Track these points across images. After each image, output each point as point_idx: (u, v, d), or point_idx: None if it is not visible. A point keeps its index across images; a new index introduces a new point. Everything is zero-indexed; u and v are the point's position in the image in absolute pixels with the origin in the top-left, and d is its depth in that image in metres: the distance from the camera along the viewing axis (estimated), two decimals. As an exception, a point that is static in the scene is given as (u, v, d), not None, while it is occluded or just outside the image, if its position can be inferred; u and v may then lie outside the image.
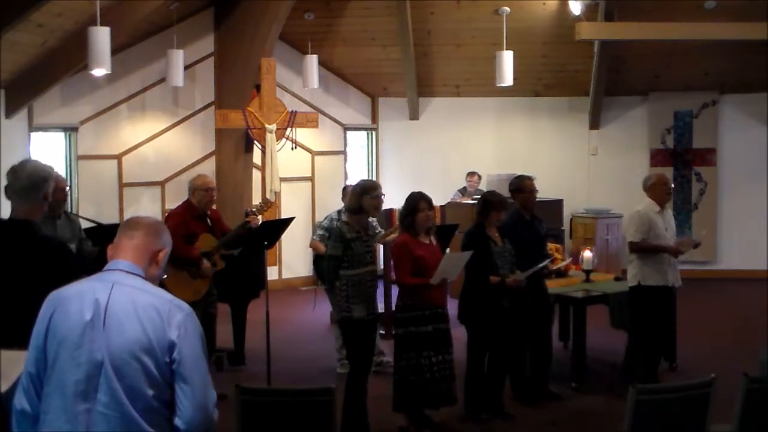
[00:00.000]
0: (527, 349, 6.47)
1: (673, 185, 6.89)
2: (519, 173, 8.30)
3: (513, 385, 6.51)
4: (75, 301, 2.69)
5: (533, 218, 6.59)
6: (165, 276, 2.94)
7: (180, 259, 6.16)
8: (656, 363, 6.78)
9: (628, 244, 6.72)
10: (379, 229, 7.16)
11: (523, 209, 6.52)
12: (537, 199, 6.66)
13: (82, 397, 2.62)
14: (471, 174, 11.25)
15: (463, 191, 11.17)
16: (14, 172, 4.07)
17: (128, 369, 2.62)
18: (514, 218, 6.45)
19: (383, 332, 7.90)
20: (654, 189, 6.73)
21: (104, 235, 5.05)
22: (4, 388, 3.10)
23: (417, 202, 5.73)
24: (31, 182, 4.04)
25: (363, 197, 5.60)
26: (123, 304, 2.66)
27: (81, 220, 6.13)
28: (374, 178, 12.11)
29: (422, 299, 5.66)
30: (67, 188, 6.07)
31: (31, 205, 4.03)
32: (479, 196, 6.77)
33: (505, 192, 6.69)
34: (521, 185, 6.54)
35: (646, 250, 6.57)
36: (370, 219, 5.94)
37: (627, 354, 7.10)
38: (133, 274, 2.74)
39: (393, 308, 6.30)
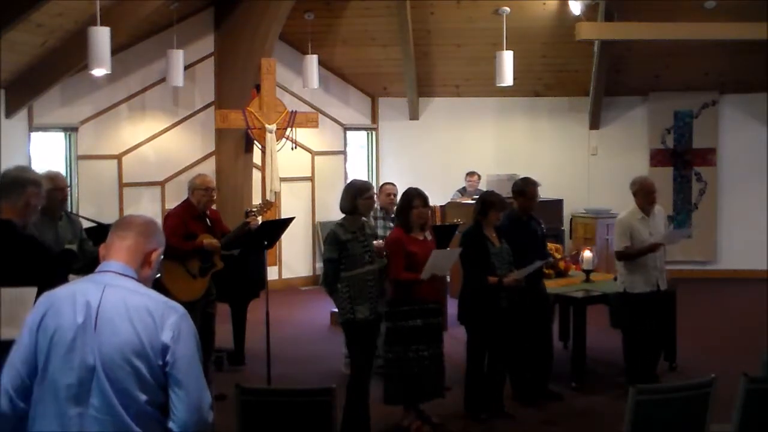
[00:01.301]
0: (527, 349, 6.46)
1: (656, 191, 6.71)
2: (518, 173, 8.26)
3: (513, 385, 6.51)
4: (66, 303, 2.64)
5: (530, 218, 6.59)
6: (159, 275, 2.91)
7: (185, 253, 6.15)
8: (652, 363, 6.78)
9: (614, 253, 6.72)
10: (384, 225, 7.17)
11: (520, 210, 6.53)
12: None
13: (74, 401, 2.58)
14: (471, 174, 11.24)
15: (463, 191, 11.16)
16: (3, 173, 4.14)
17: (120, 373, 2.57)
18: (510, 218, 6.45)
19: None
20: (637, 196, 6.70)
21: (104, 234, 5.05)
22: (7, 334, 3.09)
23: (412, 198, 5.76)
24: (12, 183, 4.06)
25: (357, 198, 5.61)
26: (115, 306, 2.61)
27: (81, 220, 6.13)
28: (374, 178, 12.13)
29: (414, 294, 5.69)
30: (68, 189, 6.05)
31: (11, 206, 4.04)
32: (478, 196, 6.77)
33: (504, 192, 6.68)
34: (525, 190, 6.51)
35: (631, 257, 6.58)
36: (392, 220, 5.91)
37: (624, 356, 7.10)
38: (125, 275, 2.69)
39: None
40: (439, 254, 5.83)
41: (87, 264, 5.11)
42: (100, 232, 5.89)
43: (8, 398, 2.66)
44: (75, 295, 2.66)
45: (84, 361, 2.59)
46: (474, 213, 6.21)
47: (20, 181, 4.09)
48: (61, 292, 2.71)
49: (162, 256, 2.86)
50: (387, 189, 7.63)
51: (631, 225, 6.61)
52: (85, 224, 6.12)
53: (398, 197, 7.57)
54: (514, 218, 6.48)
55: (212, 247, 6.40)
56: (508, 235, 6.26)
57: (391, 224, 7.26)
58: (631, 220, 6.64)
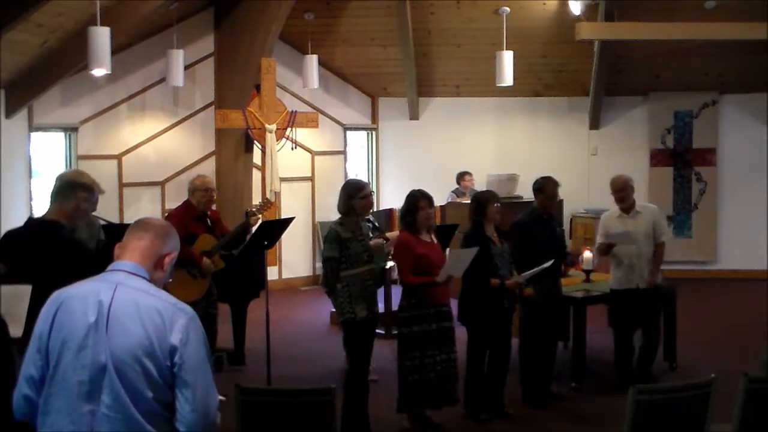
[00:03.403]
0: (534, 349, 6.47)
1: (626, 190, 6.68)
2: (518, 173, 8.25)
3: (523, 387, 6.47)
4: (78, 301, 2.66)
5: (551, 217, 6.60)
6: (171, 279, 2.92)
7: (180, 258, 6.15)
8: (643, 364, 6.77)
9: None
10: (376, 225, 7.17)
11: (540, 208, 6.53)
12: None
13: (85, 399, 2.61)
14: (467, 174, 11.21)
15: (457, 192, 11.13)
16: (58, 175, 4.31)
17: (131, 372, 2.59)
18: (531, 216, 6.47)
19: (383, 332, 7.86)
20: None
21: (115, 234, 5.08)
22: (17, 332, 3.12)
23: (417, 200, 5.73)
24: (65, 186, 4.16)
25: (353, 198, 5.60)
26: (126, 307, 2.63)
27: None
28: (374, 178, 12.13)
29: (426, 298, 5.66)
30: None
31: (60, 208, 4.14)
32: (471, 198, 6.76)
33: (503, 192, 6.67)
34: (544, 187, 6.51)
35: (601, 253, 6.79)
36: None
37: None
38: (136, 275, 2.70)
39: (393, 308, 6.29)
40: (456, 254, 5.81)
41: (93, 264, 5.12)
42: (111, 231, 5.91)
43: (24, 398, 2.70)
44: (86, 294, 2.68)
45: (95, 360, 2.61)
46: (470, 214, 6.19)
47: (72, 184, 4.16)
48: (72, 290, 2.72)
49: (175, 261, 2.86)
50: None
51: (605, 222, 6.77)
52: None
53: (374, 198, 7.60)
54: (534, 216, 6.49)
55: (207, 269, 6.41)
56: (528, 232, 6.28)
57: (369, 225, 7.29)
58: (607, 218, 6.81)
